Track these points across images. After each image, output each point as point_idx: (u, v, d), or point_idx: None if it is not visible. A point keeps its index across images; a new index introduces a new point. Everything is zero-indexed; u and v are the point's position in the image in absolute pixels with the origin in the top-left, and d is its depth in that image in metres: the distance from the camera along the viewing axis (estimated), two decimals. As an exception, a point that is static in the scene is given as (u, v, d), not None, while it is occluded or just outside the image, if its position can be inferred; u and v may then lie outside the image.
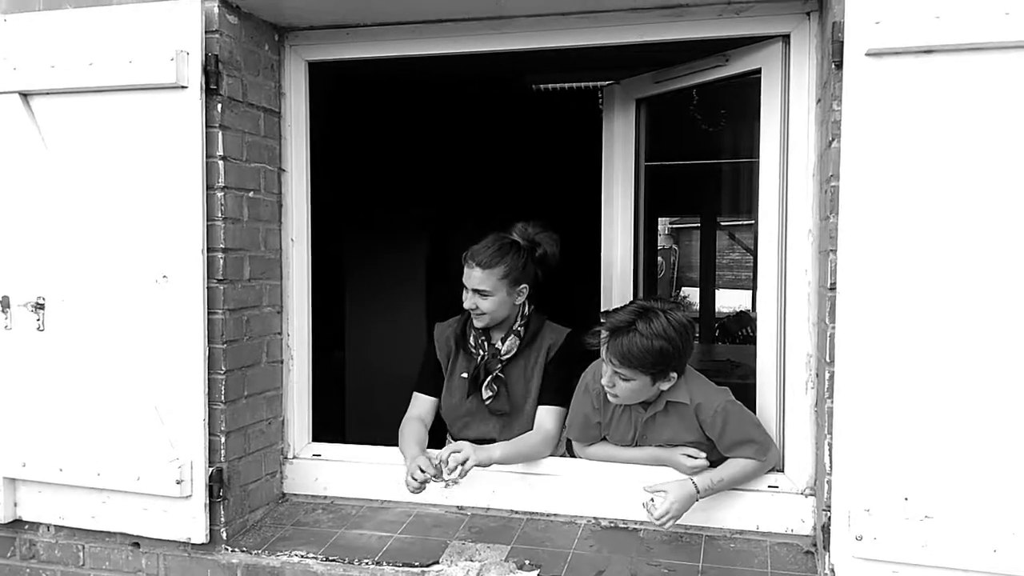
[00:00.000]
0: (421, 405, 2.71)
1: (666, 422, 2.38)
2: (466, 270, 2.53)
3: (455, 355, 2.70)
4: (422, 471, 2.35)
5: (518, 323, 2.62)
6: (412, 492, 2.40)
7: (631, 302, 2.36)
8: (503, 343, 2.61)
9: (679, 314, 2.25)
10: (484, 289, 2.51)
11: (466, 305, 2.56)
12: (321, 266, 2.92)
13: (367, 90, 4.60)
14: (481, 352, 2.62)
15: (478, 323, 2.59)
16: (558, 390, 2.58)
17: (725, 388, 2.39)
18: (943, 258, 1.87)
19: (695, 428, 2.35)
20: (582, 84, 4.55)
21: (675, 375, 2.28)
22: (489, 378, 2.59)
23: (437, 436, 2.70)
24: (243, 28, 2.50)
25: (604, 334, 2.25)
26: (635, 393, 2.29)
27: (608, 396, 2.34)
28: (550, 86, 4.77)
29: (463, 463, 2.33)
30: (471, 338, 2.65)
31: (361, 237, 5.37)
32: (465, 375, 2.65)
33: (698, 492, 2.28)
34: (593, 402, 2.46)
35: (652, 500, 2.27)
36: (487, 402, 2.60)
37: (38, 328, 2.47)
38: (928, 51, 1.85)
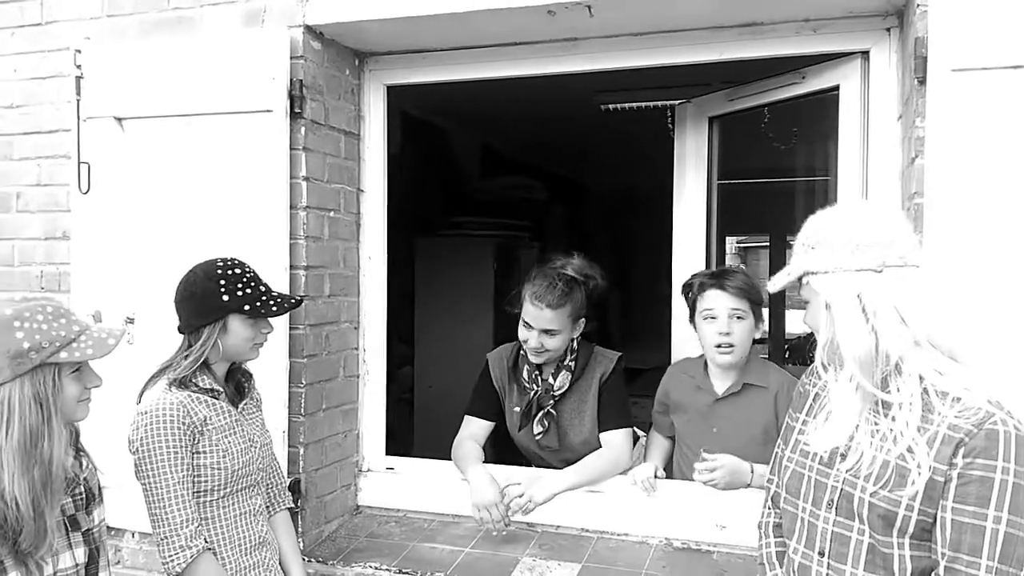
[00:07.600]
0: (474, 427, 2.71)
1: (738, 405, 2.44)
2: (533, 311, 2.48)
3: (508, 388, 2.71)
4: (491, 516, 2.43)
5: (569, 358, 2.60)
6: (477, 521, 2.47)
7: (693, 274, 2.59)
8: (555, 378, 2.60)
9: None
10: (554, 328, 2.49)
11: (531, 345, 2.52)
12: (393, 284, 2.97)
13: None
14: (535, 387, 2.62)
15: (538, 359, 2.57)
16: (620, 413, 2.60)
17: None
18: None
19: (770, 414, 2.39)
20: (651, 103, 4.53)
21: (764, 322, 2.47)
22: (540, 414, 2.60)
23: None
24: (326, 54, 2.59)
25: (706, 279, 2.45)
26: (747, 335, 2.40)
27: (721, 352, 2.39)
28: (618, 105, 4.76)
29: (525, 506, 2.44)
30: (524, 372, 2.65)
31: (430, 255, 5.43)
32: (518, 409, 2.66)
33: (752, 474, 2.33)
34: (665, 400, 2.64)
35: (704, 456, 2.34)
36: (537, 437, 2.62)
37: (128, 341, 2.57)
38: (1017, 67, 1.81)
